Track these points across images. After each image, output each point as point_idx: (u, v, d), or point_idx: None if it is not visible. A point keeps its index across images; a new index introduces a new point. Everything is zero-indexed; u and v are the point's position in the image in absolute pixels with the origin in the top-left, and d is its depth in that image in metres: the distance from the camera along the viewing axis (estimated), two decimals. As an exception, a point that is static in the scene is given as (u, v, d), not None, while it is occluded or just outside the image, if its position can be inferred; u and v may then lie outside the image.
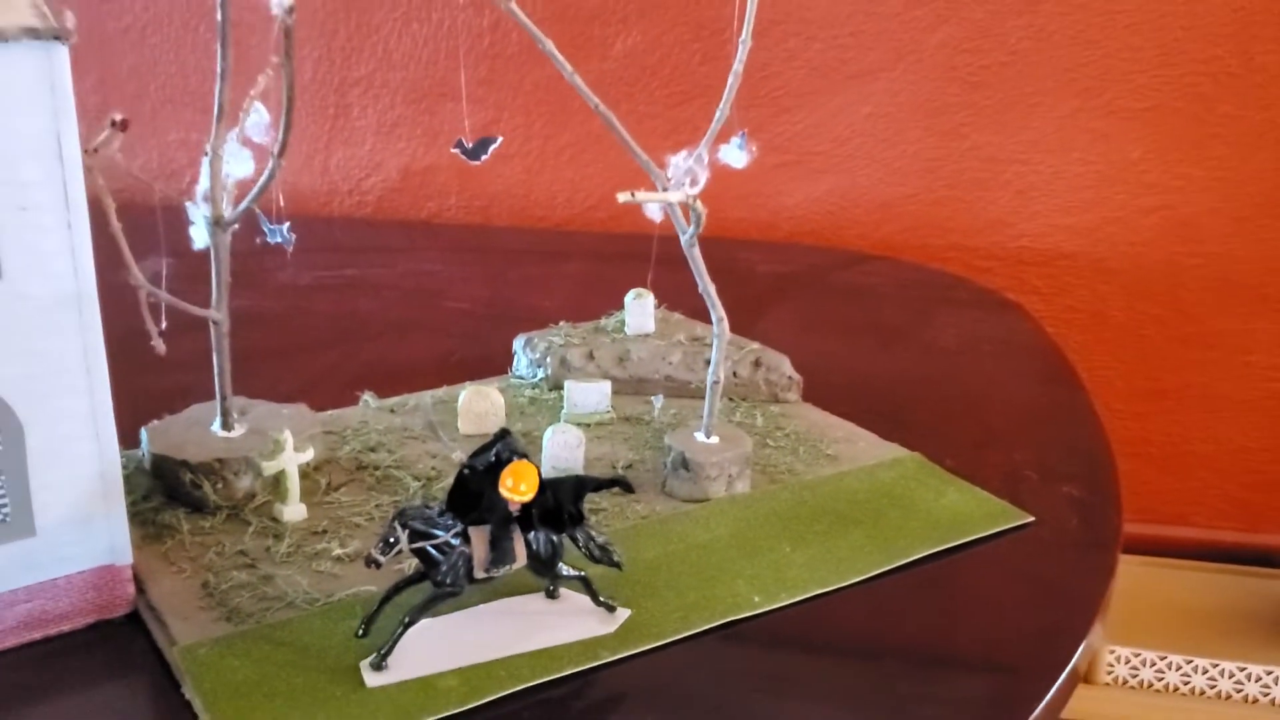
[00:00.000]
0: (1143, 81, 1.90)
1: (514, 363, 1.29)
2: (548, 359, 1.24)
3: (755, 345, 1.24)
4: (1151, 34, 1.87)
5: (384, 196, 2.19)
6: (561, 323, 1.31)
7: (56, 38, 0.74)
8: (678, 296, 1.30)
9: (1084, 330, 2.01)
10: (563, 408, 1.16)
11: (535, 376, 1.25)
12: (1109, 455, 1.14)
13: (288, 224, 1.01)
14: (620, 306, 1.31)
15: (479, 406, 1.12)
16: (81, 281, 0.78)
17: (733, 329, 1.05)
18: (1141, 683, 1.77)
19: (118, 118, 0.86)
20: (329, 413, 1.16)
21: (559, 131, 2.07)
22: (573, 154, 2.08)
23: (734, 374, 1.21)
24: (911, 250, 1.98)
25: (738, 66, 0.99)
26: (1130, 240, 1.97)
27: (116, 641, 0.84)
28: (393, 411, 1.18)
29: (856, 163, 2.01)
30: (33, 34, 0.73)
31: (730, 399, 1.20)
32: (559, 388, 1.20)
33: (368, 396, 1.20)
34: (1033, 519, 1.00)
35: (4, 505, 0.80)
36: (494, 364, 1.31)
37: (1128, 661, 1.78)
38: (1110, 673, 1.80)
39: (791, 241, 1.99)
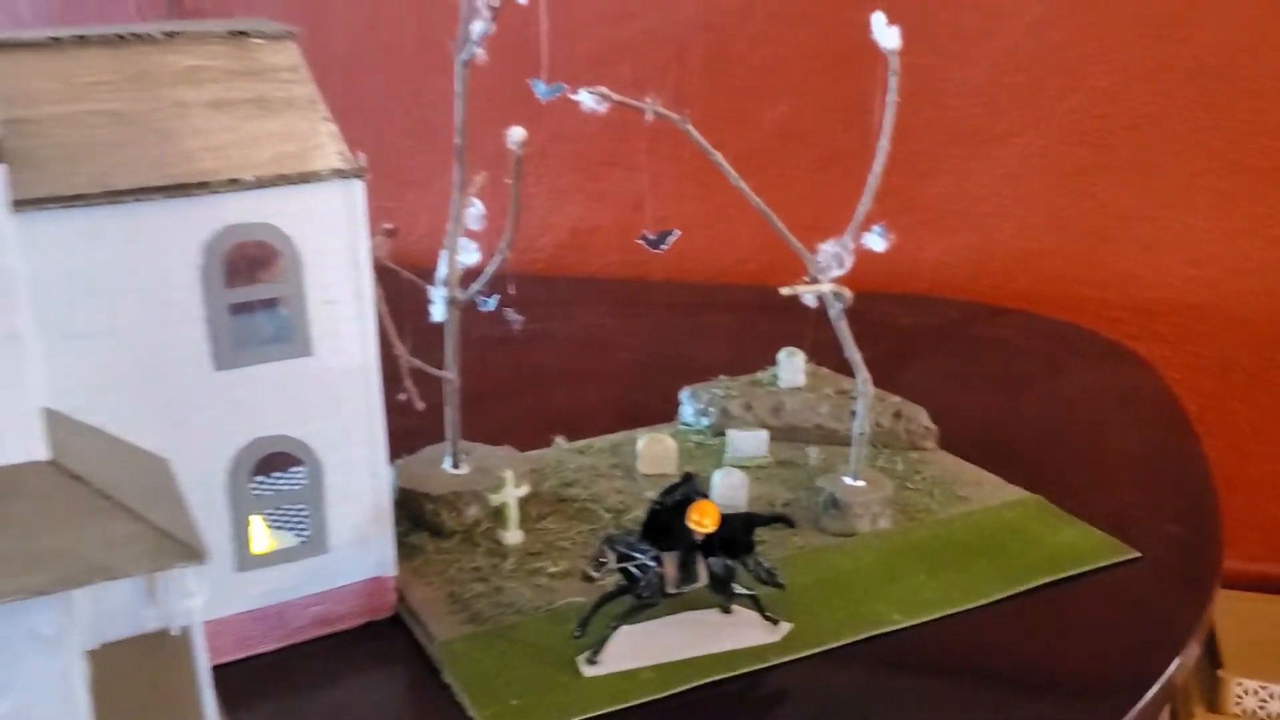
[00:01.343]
0: (1267, 143, 2.00)
1: (680, 411, 1.49)
2: (711, 409, 1.44)
3: (896, 399, 1.41)
4: (1275, 98, 1.98)
5: (554, 254, 2.43)
6: (721, 376, 1.51)
7: (356, 176, 0.97)
8: (825, 350, 1.48)
9: (1213, 377, 2.11)
10: (725, 452, 1.36)
11: (700, 424, 1.45)
12: (1213, 497, 1.28)
13: (495, 296, 1.24)
14: (771, 357, 1.51)
15: (656, 450, 1.32)
16: (367, 356, 1.02)
17: (875, 381, 1.23)
18: (1269, 714, 1.87)
19: (389, 227, 1.10)
20: (528, 453, 1.37)
21: (712, 194, 2.27)
22: (724, 213, 2.27)
23: (877, 424, 1.39)
24: (1043, 302, 2.12)
25: (877, 168, 1.17)
26: (1257, 290, 2.07)
27: (383, 638, 1.06)
28: (581, 453, 1.40)
29: (991, 220, 2.16)
30: (340, 174, 0.96)
31: (874, 446, 1.38)
32: (721, 434, 1.40)
33: (559, 439, 1.42)
34: (1138, 554, 1.15)
35: (305, 529, 1.04)
36: (660, 411, 1.51)
37: (1256, 694, 1.88)
38: (1239, 704, 1.89)
39: (929, 295, 2.15)
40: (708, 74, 2.25)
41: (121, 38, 0.90)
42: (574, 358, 1.86)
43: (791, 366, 1.47)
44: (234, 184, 0.92)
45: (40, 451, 0.77)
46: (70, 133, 0.87)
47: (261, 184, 0.93)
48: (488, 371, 1.64)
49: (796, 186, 2.25)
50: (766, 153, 2.26)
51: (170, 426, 0.93)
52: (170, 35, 0.92)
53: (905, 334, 1.93)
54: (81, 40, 0.89)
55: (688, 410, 1.47)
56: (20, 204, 0.81)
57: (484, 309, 1.25)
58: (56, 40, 0.88)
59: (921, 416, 1.40)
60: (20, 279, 0.74)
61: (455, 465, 1.24)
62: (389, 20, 2.40)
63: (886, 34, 1.12)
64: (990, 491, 1.29)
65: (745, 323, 2.02)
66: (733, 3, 2.20)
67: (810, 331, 1.26)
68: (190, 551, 0.76)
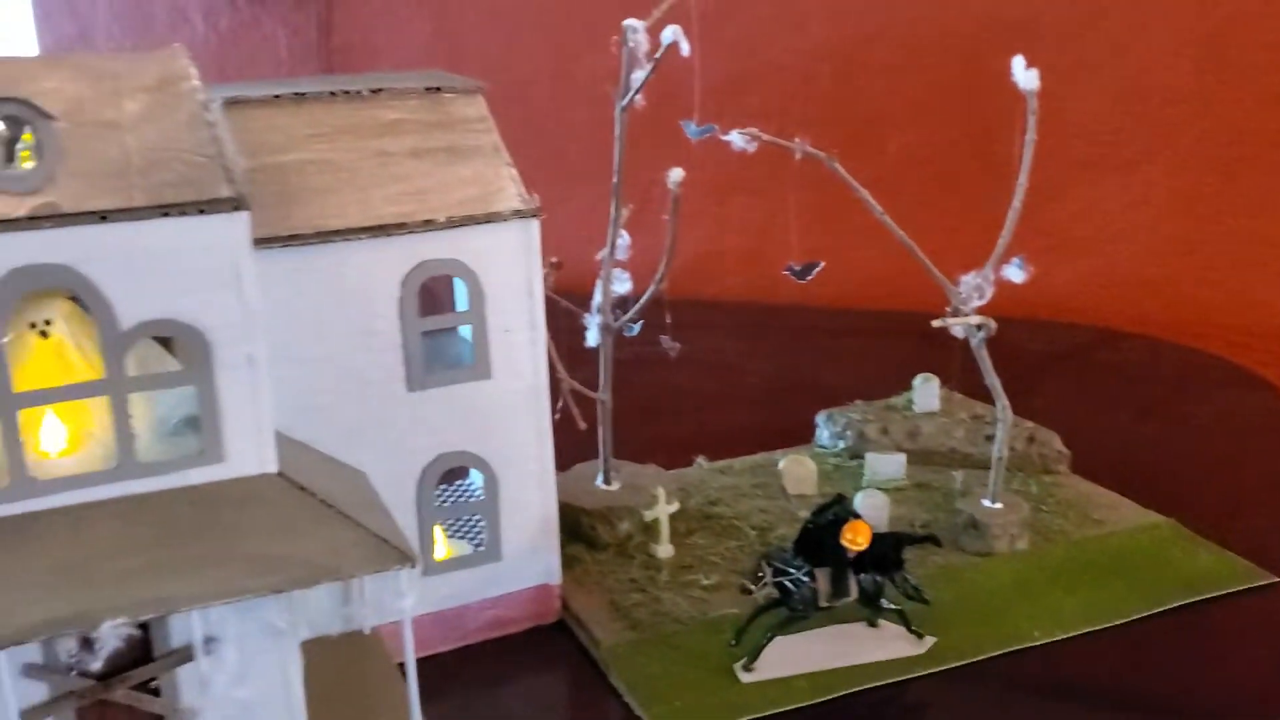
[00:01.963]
0: (1403, 168, 1.99)
1: (816, 434, 1.55)
2: (847, 432, 1.50)
3: (1029, 424, 1.45)
4: None
5: (679, 278, 2.50)
6: (857, 401, 1.56)
7: (533, 216, 1.06)
8: (950, 374, 1.52)
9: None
10: (864, 474, 1.41)
11: (836, 447, 1.51)
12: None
13: (640, 324, 1.32)
14: (898, 382, 1.56)
15: (798, 471, 1.39)
16: (539, 379, 1.10)
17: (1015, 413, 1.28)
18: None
19: (555, 260, 1.19)
20: (673, 472, 1.44)
21: (839, 218, 2.32)
22: (848, 240, 2.33)
23: (1011, 448, 1.43)
24: (1170, 328, 2.12)
25: (1016, 203, 1.23)
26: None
27: (549, 642, 1.14)
28: (723, 473, 1.47)
29: (1118, 246, 2.18)
30: (519, 215, 1.05)
31: (1008, 470, 1.42)
32: (857, 457, 1.46)
33: (701, 460, 1.49)
34: (1276, 579, 1.18)
35: (481, 538, 1.13)
36: (794, 434, 1.57)
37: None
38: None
39: (1056, 320, 2.17)
40: (833, 103, 2.31)
41: (334, 94, 1.01)
42: (707, 381, 1.93)
43: (927, 392, 1.52)
44: (428, 224, 1.01)
45: (271, 464, 0.87)
46: (288, 180, 0.97)
47: (451, 224, 1.02)
48: (628, 394, 1.71)
49: (920, 215, 2.29)
50: (890, 180, 2.30)
51: (367, 443, 1.02)
52: (375, 91, 1.02)
53: (1033, 359, 1.96)
54: (299, 97, 1.00)
55: (824, 433, 1.53)
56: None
57: (629, 334, 1.33)
58: (278, 97, 0.99)
59: (1055, 441, 1.44)
60: (259, 311, 0.84)
61: (607, 482, 1.32)
62: (521, 54, 2.51)
63: (1026, 76, 1.17)
64: (1125, 515, 1.32)
65: (871, 347, 2.07)
66: (857, 34, 2.26)
67: (957, 360, 1.31)
68: (404, 556, 0.84)
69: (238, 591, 0.80)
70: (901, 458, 1.41)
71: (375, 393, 1.03)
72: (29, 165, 0.80)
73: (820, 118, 2.31)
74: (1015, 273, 1.21)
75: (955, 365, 1.34)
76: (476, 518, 1.14)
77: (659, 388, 1.89)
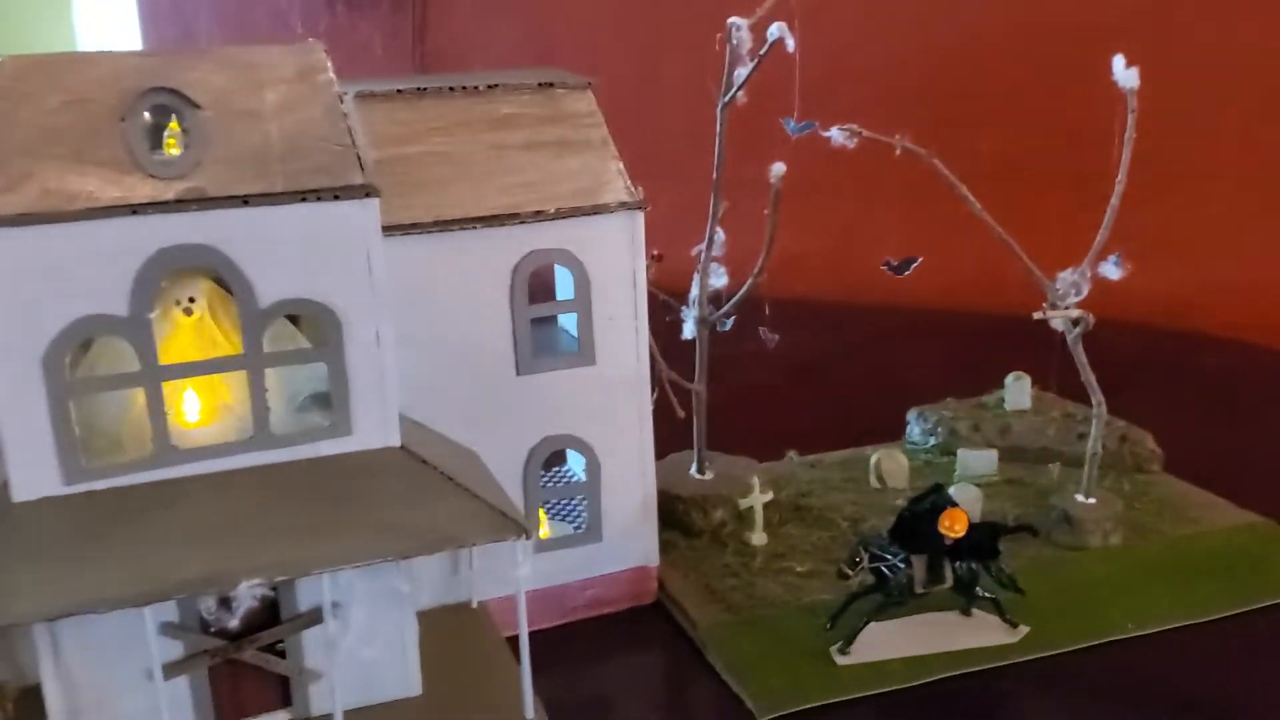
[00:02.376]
0: None
1: (906, 431, 1.56)
2: (939, 429, 1.51)
3: (1121, 423, 1.46)
4: None
5: (769, 278, 2.53)
6: (948, 399, 1.58)
7: (638, 208, 1.09)
8: (1043, 376, 1.53)
9: None
10: (955, 470, 1.42)
11: (927, 443, 1.52)
12: None
13: (733, 319, 1.35)
14: (989, 379, 1.57)
15: (889, 465, 1.40)
16: (641, 367, 1.14)
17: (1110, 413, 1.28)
18: None
19: (656, 253, 1.22)
20: (764, 465, 1.46)
21: (927, 220, 2.33)
22: (938, 239, 2.33)
23: (1104, 447, 1.43)
24: (1263, 333, 2.10)
25: (1115, 201, 1.23)
26: None
27: (645, 622, 1.17)
28: (813, 466, 1.49)
29: (1205, 252, 2.15)
30: (625, 206, 1.09)
31: (1101, 469, 1.42)
32: (949, 453, 1.47)
33: (792, 454, 1.52)
34: (1375, 581, 1.17)
35: (582, 519, 1.16)
36: (883, 431, 1.59)
37: None
38: None
39: (1147, 324, 2.16)
40: (921, 104, 2.32)
41: (452, 89, 1.05)
42: (796, 378, 1.95)
43: (1018, 390, 1.53)
44: (539, 215, 1.05)
45: (395, 438, 0.92)
46: (409, 170, 1.02)
47: (561, 215, 1.06)
48: (720, 388, 1.74)
49: (1015, 215, 2.28)
50: (981, 180, 2.31)
51: (477, 424, 1.06)
52: (491, 87, 1.06)
53: (1124, 362, 1.94)
54: (421, 92, 1.04)
55: (915, 430, 1.55)
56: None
57: (722, 330, 1.36)
58: (400, 92, 1.04)
59: (1148, 441, 1.44)
60: (386, 292, 0.89)
61: (701, 471, 1.35)
62: (607, 56, 2.55)
63: (1126, 75, 1.18)
64: (1220, 515, 1.32)
65: (959, 348, 2.08)
66: (950, 38, 2.26)
67: (1051, 360, 1.32)
68: (520, 527, 0.88)
69: (366, 556, 0.84)
70: (993, 453, 1.42)
71: (486, 376, 1.07)
72: (174, 152, 0.85)
73: (908, 118, 2.32)
74: (1112, 270, 1.22)
75: (1051, 365, 1.35)
76: (576, 501, 1.18)
77: (750, 384, 1.91)
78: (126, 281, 0.82)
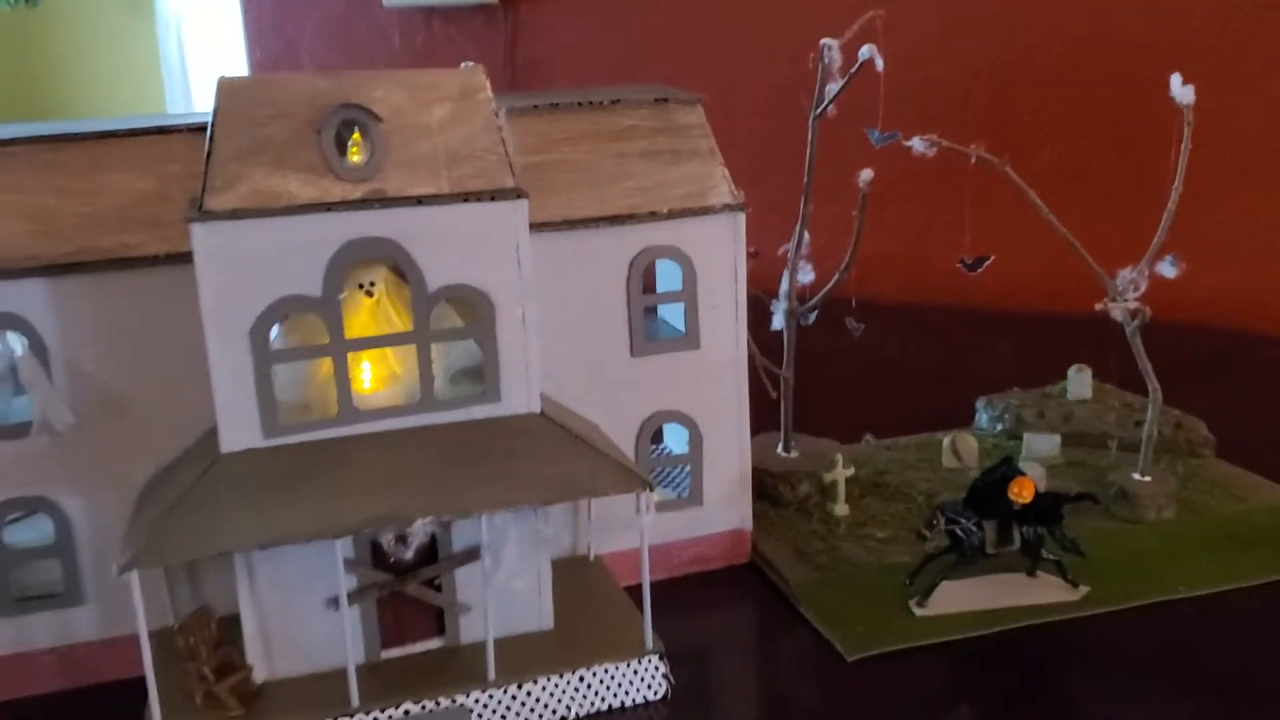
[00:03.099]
0: None
1: (976, 418, 1.69)
2: (1005, 416, 1.63)
3: (1176, 411, 1.57)
4: None
5: (851, 274, 2.65)
6: (1014, 389, 1.70)
7: (740, 210, 1.23)
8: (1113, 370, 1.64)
9: None
10: (1021, 452, 1.55)
11: (994, 429, 1.64)
12: None
13: (816, 312, 1.48)
14: (1053, 372, 1.69)
15: (961, 447, 1.53)
16: (740, 351, 1.28)
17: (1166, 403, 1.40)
18: None
19: (753, 251, 1.36)
20: (844, 447, 1.60)
21: (994, 224, 2.45)
22: (1004, 243, 2.45)
23: (1159, 433, 1.54)
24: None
25: (1172, 205, 1.35)
26: None
27: (740, 579, 1.31)
28: (889, 449, 1.62)
29: (1265, 254, 2.25)
30: (729, 208, 1.23)
31: (1155, 453, 1.53)
32: (1015, 438, 1.59)
33: (869, 437, 1.65)
34: None
35: (684, 487, 1.30)
36: (954, 418, 1.71)
37: None
38: None
39: (1201, 324, 2.26)
40: (987, 115, 2.44)
41: (580, 105, 1.20)
42: (872, 371, 2.07)
43: (1080, 381, 1.65)
44: (653, 215, 1.20)
45: (536, 405, 1.07)
46: (543, 176, 1.17)
47: (672, 215, 1.20)
48: (803, 379, 1.87)
49: (1072, 224, 2.40)
50: (1042, 188, 2.42)
51: (597, 398, 1.20)
52: (614, 103, 1.21)
53: (1179, 359, 2.04)
54: (554, 107, 1.19)
55: (983, 417, 1.67)
56: (518, 227, 1.11)
57: (805, 323, 1.49)
58: (537, 107, 1.19)
59: (1201, 428, 1.55)
60: (532, 280, 1.03)
61: (787, 450, 1.49)
62: (693, 71, 2.69)
63: (1182, 91, 1.30)
64: (1266, 494, 1.43)
65: (1025, 345, 2.19)
66: (1013, 51, 2.38)
67: (1110, 355, 1.43)
68: (644, 481, 1.03)
69: (516, 502, 0.99)
70: (1056, 438, 1.54)
71: (604, 357, 1.22)
72: (357, 159, 1.01)
73: (975, 128, 2.44)
74: (1168, 269, 1.34)
75: (1110, 360, 1.46)
76: (678, 472, 1.32)
77: (831, 375, 2.04)
78: (320, 267, 0.98)
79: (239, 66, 3.18)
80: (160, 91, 7.55)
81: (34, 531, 1.10)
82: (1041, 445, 1.53)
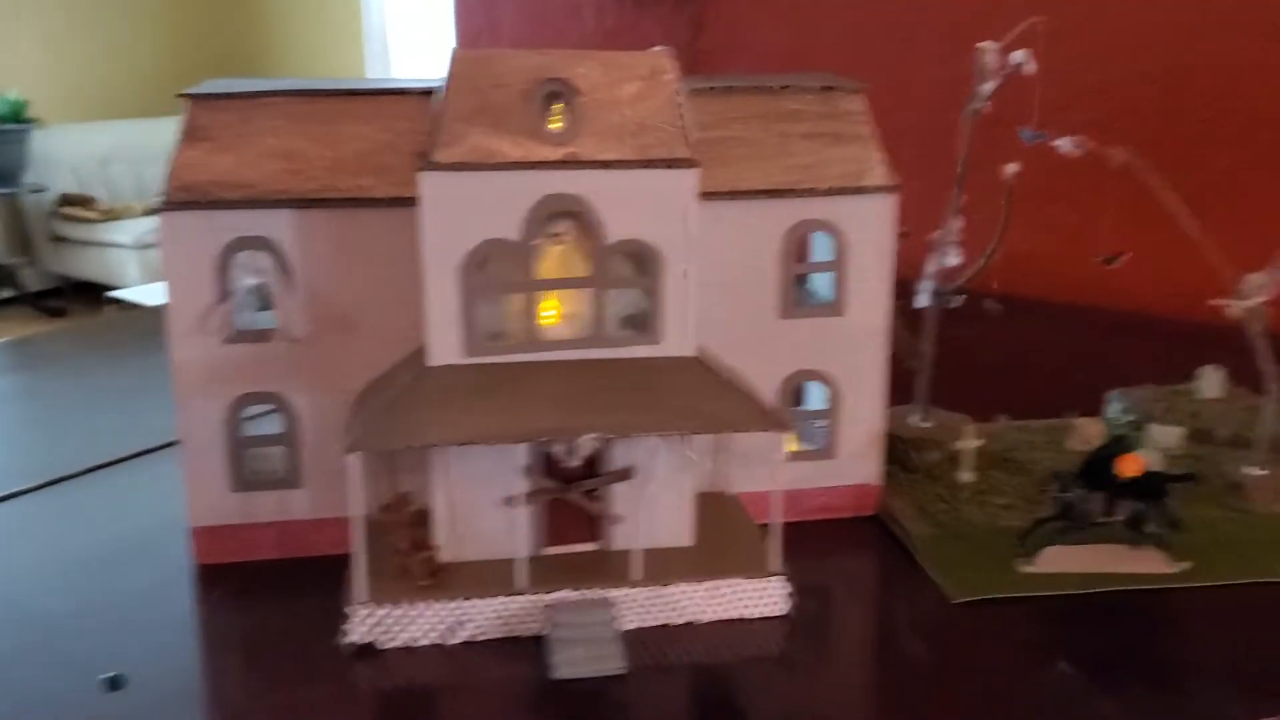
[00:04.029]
0: None
1: (1107, 408, 1.77)
2: (1134, 408, 1.71)
3: (1304, 413, 1.62)
4: None
5: (992, 272, 2.73)
6: (1148, 384, 1.77)
7: (892, 191, 1.36)
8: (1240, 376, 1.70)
9: None
10: (1145, 442, 1.63)
11: (1123, 420, 1.73)
12: None
13: (963, 296, 1.59)
14: (1187, 374, 1.76)
15: (1088, 431, 1.62)
16: (881, 321, 1.40)
17: None
18: None
19: (905, 230, 1.48)
20: (978, 424, 1.70)
21: (1142, 231, 2.49)
22: (1153, 250, 2.48)
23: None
24: None
25: (1310, 215, 1.42)
26: None
27: (865, 529, 1.44)
28: (1020, 430, 1.72)
29: None
30: (881, 189, 1.36)
31: (1276, 453, 1.59)
32: (1141, 430, 1.67)
33: (1003, 417, 1.75)
34: None
35: (823, 439, 1.44)
36: (1086, 407, 1.78)
37: None
38: None
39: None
40: (1159, 122, 2.48)
41: (754, 89, 1.34)
42: (1014, 358, 2.16)
43: (1213, 380, 1.71)
44: (810, 192, 1.34)
45: (691, 349, 1.22)
46: (715, 150, 1.32)
47: (829, 193, 1.34)
48: (947, 361, 1.97)
49: (1238, 231, 2.42)
50: (1213, 195, 2.45)
51: (746, 353, 1.34)
52: (784, 88, 1.35)
53: None
54: (729, 89, 1.34)
55: (1115, 408, 1.75)
56: (690, 194, 1.26)
57: (951, 306, 1.60)
58: (714, 89, 1.34)
59: (1331, 432, 1.60)
60: (696, 240, 1.19)
61: (923, 420, 1.61)
62: (866, 63, 2.80)
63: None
64: (1389, 499, 1.48)
65: (1167, 346, 2.24)
66: (1181, 60, 2.41)
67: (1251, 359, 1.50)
68: (783, 422, 1.17)
69: (670, 428, 1.15)
70: (1180, 430, 1.62)
71: (756, 316, 1.37)
72: (559, 126, 1.18)
73: (1142, 135, 2.48)
74: (1299, 275, 1.41)
75: (1202, 350, 1.52)
76: (816, 426, 1.46)
77: (973, 360, 2.13)
78: (520, 216, 1.16)
79: (444, 38, 3.42)
80: (360, 58, 7.98)
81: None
82: (1164, 437, 1.61)
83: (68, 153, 7.44)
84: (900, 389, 1.63)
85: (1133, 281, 2.66)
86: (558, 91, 1.16)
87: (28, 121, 7.04)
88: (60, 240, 7.46)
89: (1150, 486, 1.31)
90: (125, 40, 8.08)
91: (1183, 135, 2.44)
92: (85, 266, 7.35)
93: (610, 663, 1.12)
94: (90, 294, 7.09)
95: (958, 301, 1.59)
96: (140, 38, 8.15)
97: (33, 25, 7.58)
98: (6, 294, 7.40)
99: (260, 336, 1.27)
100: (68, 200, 7.41)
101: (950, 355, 1.66)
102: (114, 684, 1.11)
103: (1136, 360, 2.12)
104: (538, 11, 3.18)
